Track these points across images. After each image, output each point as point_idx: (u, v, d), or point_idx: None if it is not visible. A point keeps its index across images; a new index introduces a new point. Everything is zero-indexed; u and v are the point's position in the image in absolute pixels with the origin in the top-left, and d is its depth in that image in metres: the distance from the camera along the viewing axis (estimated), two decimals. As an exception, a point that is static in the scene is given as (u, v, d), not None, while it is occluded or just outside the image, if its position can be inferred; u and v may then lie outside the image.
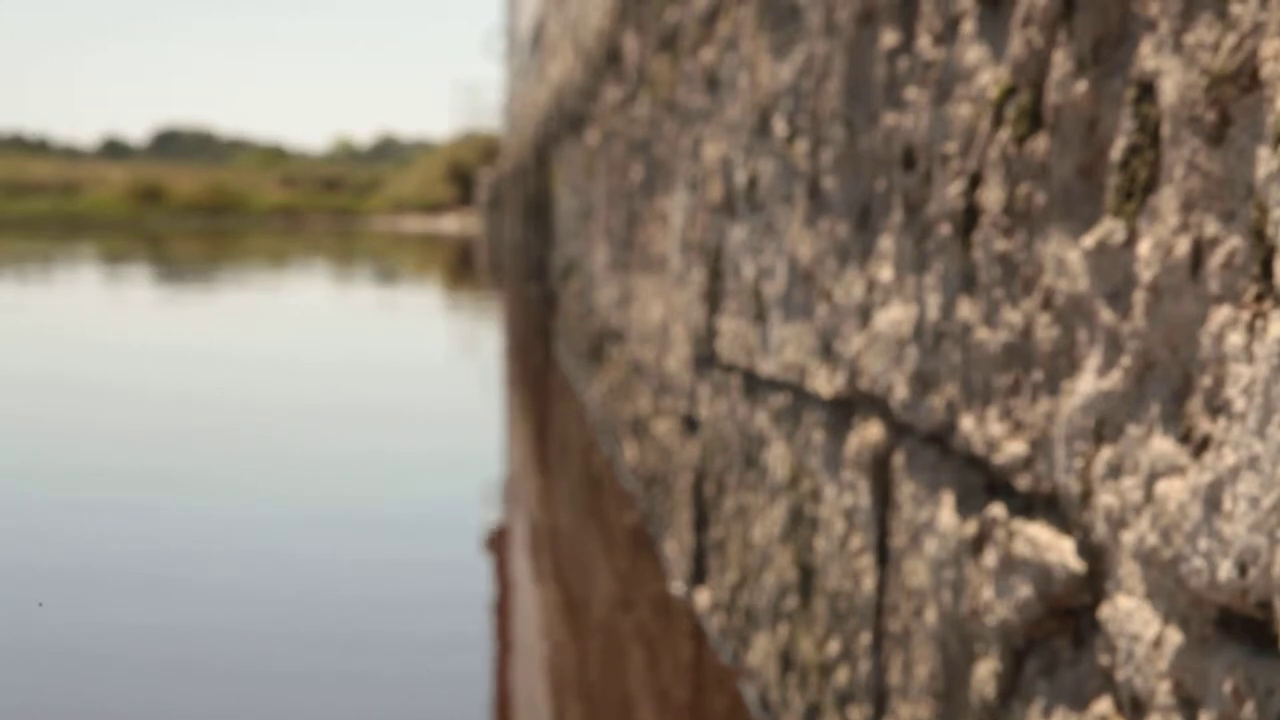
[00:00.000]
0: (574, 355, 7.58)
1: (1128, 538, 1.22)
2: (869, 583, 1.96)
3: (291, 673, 2.99)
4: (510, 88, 23.10)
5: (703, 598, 3.20)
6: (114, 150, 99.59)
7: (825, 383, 2.20)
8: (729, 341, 2.99)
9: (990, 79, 1.56)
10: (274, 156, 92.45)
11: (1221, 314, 1.08)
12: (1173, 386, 1.16)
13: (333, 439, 5.98)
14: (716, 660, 2.92)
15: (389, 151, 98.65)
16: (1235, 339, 1.05)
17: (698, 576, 3.29)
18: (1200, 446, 1.10)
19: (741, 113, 2.90)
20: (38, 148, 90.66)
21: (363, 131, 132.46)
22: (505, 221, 21.37)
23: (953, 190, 1.65)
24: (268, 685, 2.92)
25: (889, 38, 1.91)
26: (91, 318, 12.81)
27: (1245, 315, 1.04)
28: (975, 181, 1.59)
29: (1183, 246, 1.14)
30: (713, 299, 3.19)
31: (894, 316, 1.87)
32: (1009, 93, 1.50)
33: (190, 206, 60.81)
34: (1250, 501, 1.02)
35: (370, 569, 3.82)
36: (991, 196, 1.54)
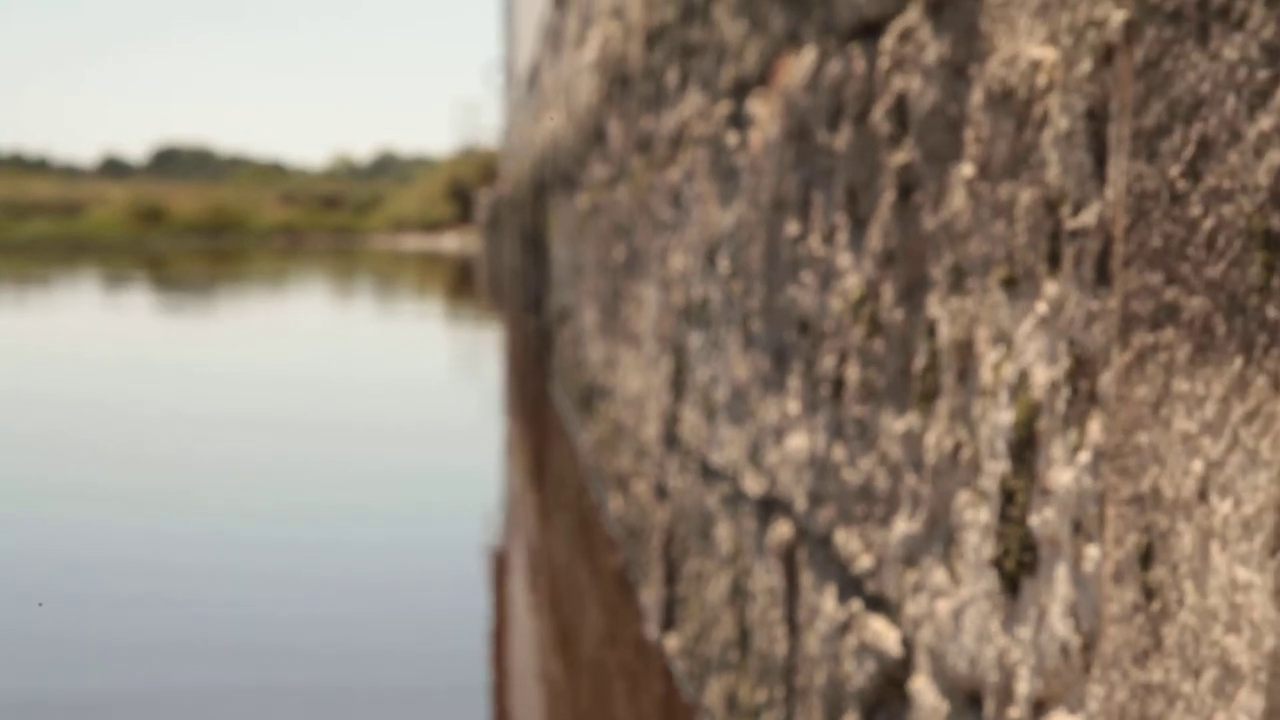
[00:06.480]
0: (569, 398, 8.14)
1: (922, 636, 1.79)
2: (782, 648, 2.53)
3: (297, 685, 3.56)
4: (508, 117, 23.69)
5: (672, 642, 3.77)
6: (114, 168, 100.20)
7: (754, 483, 2.77)
8: (689, 429, 3.56)
9: (854, 283, 2.13)
10: (273, 173, 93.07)
11: (964, 496, 1.64)
12: (945, 537, 1.73)
13: (340, 463, 6.55)
14: (680, 698, 3.49)
15: (388, 167, 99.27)
16: (969, 514, 1.62)
17: (668, 624, 3.85)
18: (956, 582, 1.67)
19: (698, 238, 3.47)
20: (38, 166, 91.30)
21: (362, 147, 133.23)
22: (504, 243, 21.93)
23: (828, 363, 2.22)
24: (273, 696, 3.49)
25: (792, 227, 2.48)
26: (115, 341, 13.38)
27: (974, 499, 1.61)
28: (843, 358, 2.16)
29: (949, 443, 1.71)
30: (677, 389, 3.76)
31: (797, 444, 2.44)
32: (862, 300, 2.07)
33: (191, 226, 61.48)
34: (973, 623, 1.58)
35: (377, 588, 4.39)
36: (852, 374, 2.11)
